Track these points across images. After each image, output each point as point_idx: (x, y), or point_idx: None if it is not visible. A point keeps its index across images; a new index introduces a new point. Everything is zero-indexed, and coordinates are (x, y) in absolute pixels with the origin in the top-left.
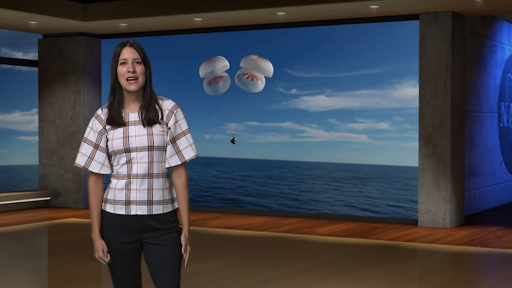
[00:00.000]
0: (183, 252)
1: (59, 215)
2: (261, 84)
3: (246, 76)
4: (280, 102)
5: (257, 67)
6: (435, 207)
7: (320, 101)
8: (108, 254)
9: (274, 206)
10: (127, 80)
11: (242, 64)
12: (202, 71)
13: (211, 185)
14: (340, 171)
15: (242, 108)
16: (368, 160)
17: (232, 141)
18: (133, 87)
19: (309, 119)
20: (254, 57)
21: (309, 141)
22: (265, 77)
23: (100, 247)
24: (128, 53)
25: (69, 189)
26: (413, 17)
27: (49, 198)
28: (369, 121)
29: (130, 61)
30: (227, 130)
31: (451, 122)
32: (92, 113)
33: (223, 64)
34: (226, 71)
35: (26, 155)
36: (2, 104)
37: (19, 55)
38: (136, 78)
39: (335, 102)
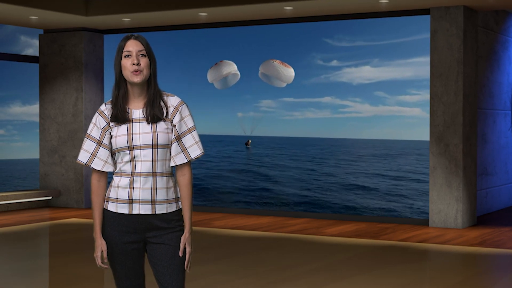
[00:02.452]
0: (180, 254)
1: (60, 215)
2: (292, 73)
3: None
4: (319, 76)
5: (277, 74)
6: (446, 207)
7: (365, 72)
8: (105, 258)
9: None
10: (131, 72)
11: (261, 68)
12: (210, 77)
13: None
14: (379, 148)
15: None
16: (422, 135)
17: (246, 144)
18: (137, 78)
19: (353, 92)
20: (276, 62)
21: (352, 116)
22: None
23: (99, 246)
24: (132, 46)
25: (70, 188)
26: (424, 11)
27: (50, 197)
28: (424, 92)
29: (134, 53)
30: (260, 107)
31: (463, 119)
32: (94, 110)
33: (230, 69)
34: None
35: None
36: (23, 95)
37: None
38: (141, 71)
39: (382, 73)
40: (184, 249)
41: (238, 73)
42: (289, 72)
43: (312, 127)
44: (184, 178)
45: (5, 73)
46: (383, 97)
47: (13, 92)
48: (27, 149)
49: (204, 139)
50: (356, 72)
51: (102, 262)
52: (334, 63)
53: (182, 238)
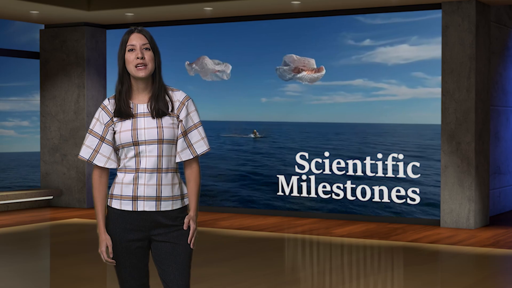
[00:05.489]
0: (185, 228)
1: (62, 215)
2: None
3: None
4: (350, 57)
5: (306, 81)
6: (458, 206)
7: (402, 52)
8: (110, 253)
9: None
10: (135, 66)
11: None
12: (190, 71)
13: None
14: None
15: None
16: None
17: (254, 134)
18: (142, 73)
19: (387, 74)
20: (304, 72)
21: (387, 100)
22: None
23: (104, 241)
24: (136, 39)
25: (72, 187)
26: (435, 6)
27: (51, 197)
28: None
29: (138, 47)
30: (286, 92)
31: (475, 117)
32: (96, 107)
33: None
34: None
35: None
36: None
37: None
38: (145, 65)
39: (422, 52)
40: (190, 239)
41: (225, 71)
42: (319, 77)
43: (342, 112)
44: (192, 171)
45: (26, 63)
46: (422, 78)
47: (36, 82)
48: None
49: (217, 126)
50: (391, 52)
51: (108, 257)
52: (367, 42)
53: (187, 216)
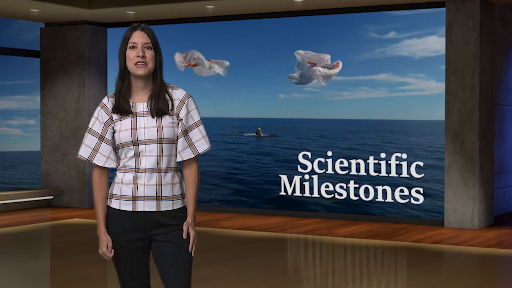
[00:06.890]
0: (184, 237)
1: (62, 215)
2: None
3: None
4: (373, 50)
5: (321, 78)
6: (462, 206)
7: (431, 44)
8: (113, 250)
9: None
10: (135, 64)
11: (297, 73)
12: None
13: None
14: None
15: None
16: None
17: (257, 133)
18: (141, 71)
19: (414, 68)
20: (321, 68)
21: (414, 95)
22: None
23: (104, 241)
24: (138, 37)
25: (73, 187)
26: (439, 4)
27: (51, 197)
28: None
29: (140, 45)
30: (305, 88)
31: (479, 116)
32: (97, 106)
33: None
34: (227, 59)
35: None
36: None
37: None
38: (145, 63)
39: None
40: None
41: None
42: (334, 73)
43: (364, 108)
44: (191, 171)
45: (31, 62)
46: None
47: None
48: None
49: (223, 123)
50: (418, 44)
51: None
52: (391, 35)
53: (185, 224)
